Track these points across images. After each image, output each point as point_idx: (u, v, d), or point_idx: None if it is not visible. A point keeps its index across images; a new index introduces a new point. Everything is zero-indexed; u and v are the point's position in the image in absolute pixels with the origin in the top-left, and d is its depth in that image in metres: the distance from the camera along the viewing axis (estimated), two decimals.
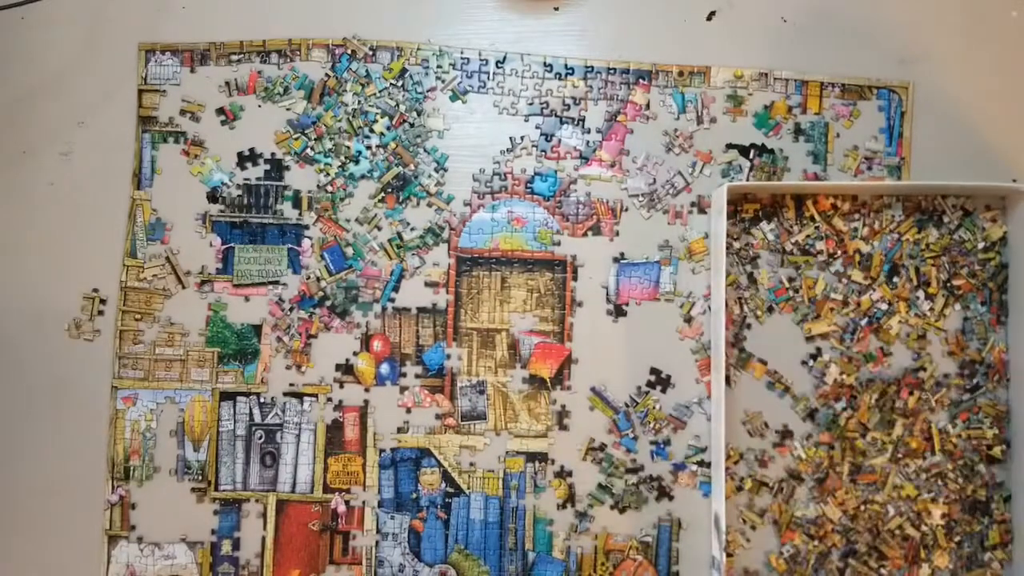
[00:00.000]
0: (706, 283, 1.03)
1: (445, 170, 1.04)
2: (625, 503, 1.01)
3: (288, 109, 1.05)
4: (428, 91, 1.05)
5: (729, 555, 0.98)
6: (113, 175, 1.05)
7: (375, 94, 1.05)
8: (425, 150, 1.04)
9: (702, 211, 1.04)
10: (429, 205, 1.04)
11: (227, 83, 1.05)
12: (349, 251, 1.03)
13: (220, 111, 1.05)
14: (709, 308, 1.02)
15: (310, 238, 1.04)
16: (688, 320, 1.02)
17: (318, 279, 1.03)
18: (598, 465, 1.01)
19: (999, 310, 1.01)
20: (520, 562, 1.01)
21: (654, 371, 1.02)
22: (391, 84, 1.05)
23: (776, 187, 1.02)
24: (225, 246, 1.04)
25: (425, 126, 1.05)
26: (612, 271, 1.03)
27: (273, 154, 1.05)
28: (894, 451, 0.99)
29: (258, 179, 1.05)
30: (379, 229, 1.04)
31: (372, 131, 1.04)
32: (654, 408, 1.01)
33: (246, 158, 1.05)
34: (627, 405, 1.02)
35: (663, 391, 1.02)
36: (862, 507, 0.99)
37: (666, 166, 1.04)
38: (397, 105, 1.05)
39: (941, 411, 1.00)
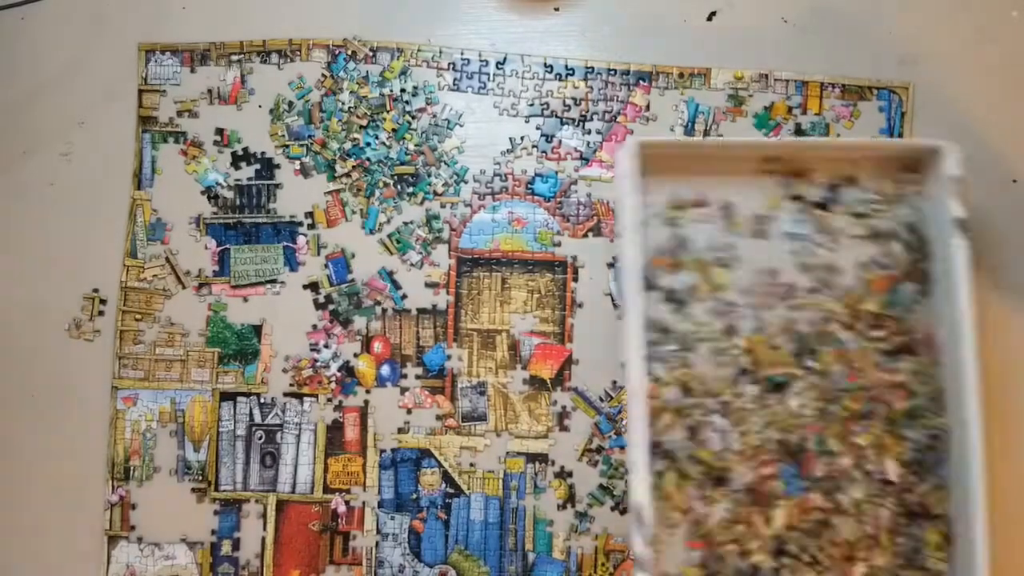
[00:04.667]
0: None
1: (465, 182, 1.04)
2: (626, 504, 1.01)
3: (288, 124, 1.05)
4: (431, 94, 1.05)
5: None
6: (113, 175, 1.05)
7: (368, 95, 1.05)
8: (445, 162, 1.05)
9: None
10: (442, 206, 1.04)
11: (209, 91, 1.05)
12: (354, 263, 1.03)
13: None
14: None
15: (305, 235, 1.04)
16: None
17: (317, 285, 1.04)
18: (594, 467, 1.01)
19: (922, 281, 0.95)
20: (520, 563, 1.01)
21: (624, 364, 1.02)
22: (398, 78, 1.05)
23: (696, 144, 0.99)
24: (220, 248, 1.04)
25: (438, 128, 1.05)
26: (610, 276, 1.03)
27: (263, 152, 1.05)
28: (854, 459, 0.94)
29: (249, 179, 1.05)
30: (378, 229, 1.04)
31: (378, 128, 1.05)
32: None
33: (240, 158, 1.05)
34: (601, 399, 1.02)
35: None
36: (805, 514, 0.93)
37: None
38: (404, 109, 1.05)
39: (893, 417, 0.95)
